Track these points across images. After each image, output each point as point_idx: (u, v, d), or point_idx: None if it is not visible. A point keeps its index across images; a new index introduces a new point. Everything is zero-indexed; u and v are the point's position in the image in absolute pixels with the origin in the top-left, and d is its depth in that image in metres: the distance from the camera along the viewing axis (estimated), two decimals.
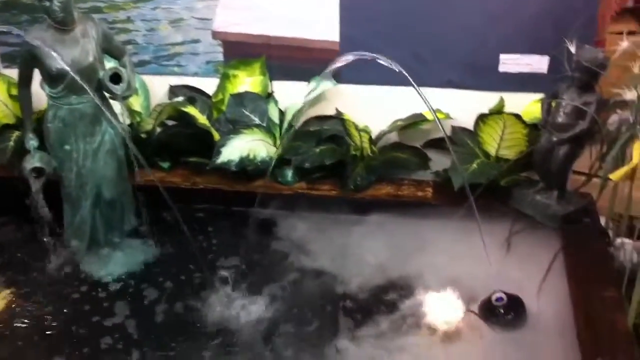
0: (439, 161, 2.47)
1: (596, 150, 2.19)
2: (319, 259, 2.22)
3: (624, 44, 1.92)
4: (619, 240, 2.06)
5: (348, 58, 1.99)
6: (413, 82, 1.93)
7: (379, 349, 1.84)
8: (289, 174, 2.41)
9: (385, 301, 2.04)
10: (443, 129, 2.14)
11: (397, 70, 1.86)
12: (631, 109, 1.96)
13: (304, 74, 2.47)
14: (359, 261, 2.19)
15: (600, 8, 2.25)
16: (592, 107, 2.03)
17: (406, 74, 1.90)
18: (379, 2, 2.37)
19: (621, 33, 2.34)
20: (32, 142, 2.22)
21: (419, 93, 1.94)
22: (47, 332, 2.00)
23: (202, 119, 2.44)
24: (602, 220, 2.23)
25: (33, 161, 2.19)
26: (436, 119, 1.96)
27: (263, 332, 1.95)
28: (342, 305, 2.04)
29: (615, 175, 1.92)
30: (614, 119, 2.11)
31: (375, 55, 1.86)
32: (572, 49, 2.08)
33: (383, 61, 1.89)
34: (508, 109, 2.35)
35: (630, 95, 1.94)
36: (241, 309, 2.03)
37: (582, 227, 2.14)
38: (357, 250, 2.24)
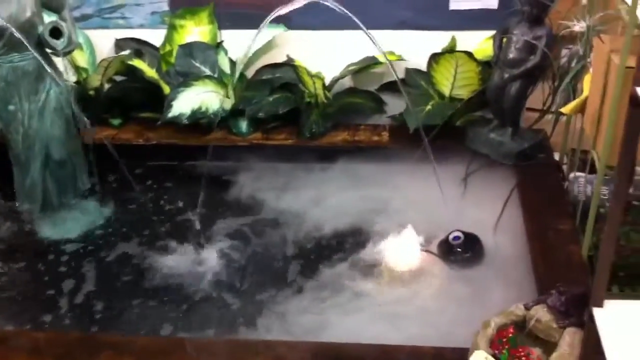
0: (395, 104, 2.45)
1: (549, 85, 2.19)
2: (277, 208, 2.20)
3: None
4: (572, 175, 2.08)
5: (298, 2, 1.96)
6: (362, 25, 1.91)
7: (337, 292, 1.84)
8: (243, 124, 2.38)
9: (344, 244, 2.04)
10: (395, 71, 2.13)
11: (346, 14, 1.82)
12: (580, 41, 1.95)
13: (254, 21, 2.40)
14: (318, 208, 2.17)
15: None
16: (543, 41, 2.02)
17: (354, 18, 1.87)
18: None
19: None
20: None
21: (368, 35, 1.91)
22: (3, 296, 1.97)
23: (150, 72, 2.37)
24: (556, 156, 2.26)
25: None
26: (387, 61, 1.94)
27: (215, 282, 1.94)
28: (300, 252, 2.03)
29: (566, 109, 1.93)
30: (564, 52, 2.11)
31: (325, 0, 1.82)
32: None
33: (332, 4, 1.86)
34: (461, 47, 2.33)
35: (579, 27, 1.93)
36: (199, 263, 2.02)
37: (537, 163, 2.15)
38: (315, 197, 2.23)
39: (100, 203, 2.32)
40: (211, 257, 2.04)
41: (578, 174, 2.09)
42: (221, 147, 2.32)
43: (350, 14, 1.91)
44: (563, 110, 1.94)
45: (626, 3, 1.56)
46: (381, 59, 2.33)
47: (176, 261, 2.03)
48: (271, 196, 2.24)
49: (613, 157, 1.67)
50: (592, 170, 1.90)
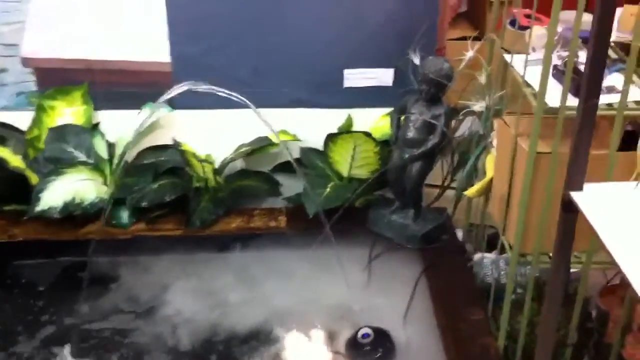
0: (290, 185, 2.30)
1: (447, 161, 2.12)
2: (165, 308, 1.97)
3: (469, 53, 1.85)
4: (478, 256, 2.00)
5: (180, 88, 1.83)
6: (251, 104, 1.79)
7: None
8: (124, 215, 2.14)
9: (242, 348, 1.82)
10: (289, 151, 2.00)
11: (235, 97, 1.69)
12: (481, 120, 1.90)
13: (134, 100, 2.21)
14: (211, 305, 1.96)
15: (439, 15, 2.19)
16: (442, 120, 1.95)
17: (244, 99, 1.74)
18: (212, 15, 2.15)
19: (460, 39, 2.31)
20: None
21: (258, 115, 1.78)
22: None
23: (15, 161, 2.10)
24: (459, 233, 2.18)
25: None
26: (280, 141, 1.80)
27: None
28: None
29: (470, 192, 1.85)
30: (463, 128, 2.05)
31: (210, 86, 1.70)
32: (416, 60, 2.00)
33: (219, 91, 1.74)
34: (357, 125, 2.23)
35: (479, 107, 1.87)
36: None
37: (441, 245, 2.05)
38: (208, 292, 2.02)
39: None
40: None
41: (484, 254, 2.01)
42: (100, 242, 2.07)
43: (239, 97, 1.78)
44: (467, 193, 1.86)
45: (530, 86, 1.51)
46: (274, 139, 2.19)
47: None
48: (153, 296, 2.01)
49: (525, 244, 1.59)
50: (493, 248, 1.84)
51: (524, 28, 1.76)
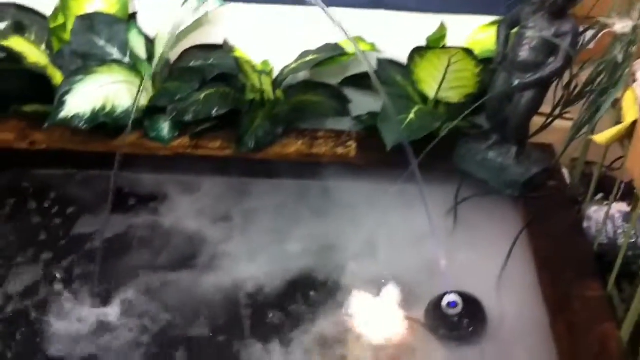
0: (361, 102, 1.92)
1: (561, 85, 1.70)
2: (205, 244, 1.65)
3: None
4: (593, 209, 1.63)
5: None
6: (321, 3, 1.39)
7: None
8: (164, 128, 1.79)
9: (295, 306, 1.50)
10: (370, 64, 1.61)
11: None
12: (621, 44, 1.47)
13: None
14: (261, 247, 1.63)
15: None
16: (568, 40, 1.53)
17: None
18: None
19: None
20: None
21: (329, 16, 1.40)
22: None
23: (35, 55, 1.74)
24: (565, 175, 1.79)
25: None
26: (360, 53, 1.42)
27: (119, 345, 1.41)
28: (230, 316, 1.48)
29: (601, 138, 1.44)
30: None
31: None
32: None
33: None
34: (451, 36, 1.81)
35: (620, 26, 1.44)
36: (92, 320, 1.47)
37: (548, 194, 1.68)
38: (258, 230, 1.69)
39: None
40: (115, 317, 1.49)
41: (601, 208, 1.64)
42: (134, 156, 1.74)
43: None
44: (596, 139, 1.46)
45: None
46: (348, 47, 1.79)
47: (66, 324, 1.48)
48: (195, 227, 1.69)
49: None
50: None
51: None
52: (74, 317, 1.47)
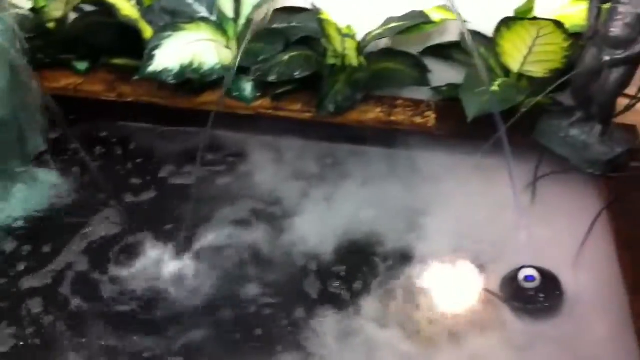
0: (441, 73, 1.92)
1: None
2: (283, 205, 1.69)
3: None
4: None
5: None
6: None
7: (359, 338, 1.36)
8: (247, 87, 1.83)
9: (370, 271, 1.53)
10: (466, 32, 1.60)
11: None
12: None
13: None
14: (337, 212, 1.66)
15: None
16: None
17: None
18: None
19: None
20: None
21: None
22: None
23: (127, 8, 1.79)
24: None
25: None
26: (460, 21, 1.40)
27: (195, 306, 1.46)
28: (312, 276, 1.52)
29: None
30: None
31: None
32: None
33: None
34: (538, 8, 1.78)
35: None
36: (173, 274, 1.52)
37: (629, 174, 1.65)
38: (334, 195, 1.71)
39: (55, 173, 1.79)
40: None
41: None
42: (217, 115, 1.78)
43: None
44: None
45: None
46: (433, 15, 1.79)
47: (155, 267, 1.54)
48: (270, 187, 1.73)
49: None
50: None
51: None
52: (154, 262, 1.53)
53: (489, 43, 1.80)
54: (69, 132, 1.55)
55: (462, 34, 1.85)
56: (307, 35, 1.86)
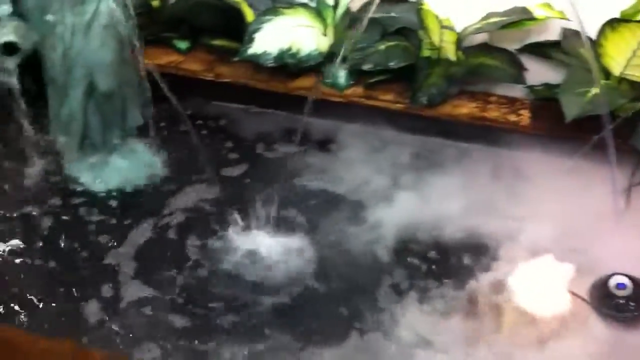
0: (537, 72, 1.89)
1: None
2: (371, 195, 1.70)
3: None
4: None
5: None
6: None
7: (438, 337, 1.37)
8: (342, 75, 1.85)
9: (456, 266, 1.53)
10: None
11: None
12: None
13: None
14: (424, 205, 1.66)
15: None
16: None
17: None
18: None
19: None
20: (3, 7, 1.66)
21: None
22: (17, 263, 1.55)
23: None
24: None
25: (4, 33, 1.64)
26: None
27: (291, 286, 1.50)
28: (395, 269, 1.52)
29: None
30: None
31: None
32: None
33: None
34: None
35: None
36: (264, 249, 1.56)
37: None
38: (423, 188, 1.71)
39: (152, 147, 1.86)
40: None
41: None
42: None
43: None
44: None
45: None
46: (537, 12, 1.76)
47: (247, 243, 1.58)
48: (360, 175, 1.74)
49: None
50: None
51: None
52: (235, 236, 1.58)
53: (591, 43, 1.76)
54: (179, 107, 1.59)
55: (562, 32, 1.82)
56: (403, 27, 1.86)
